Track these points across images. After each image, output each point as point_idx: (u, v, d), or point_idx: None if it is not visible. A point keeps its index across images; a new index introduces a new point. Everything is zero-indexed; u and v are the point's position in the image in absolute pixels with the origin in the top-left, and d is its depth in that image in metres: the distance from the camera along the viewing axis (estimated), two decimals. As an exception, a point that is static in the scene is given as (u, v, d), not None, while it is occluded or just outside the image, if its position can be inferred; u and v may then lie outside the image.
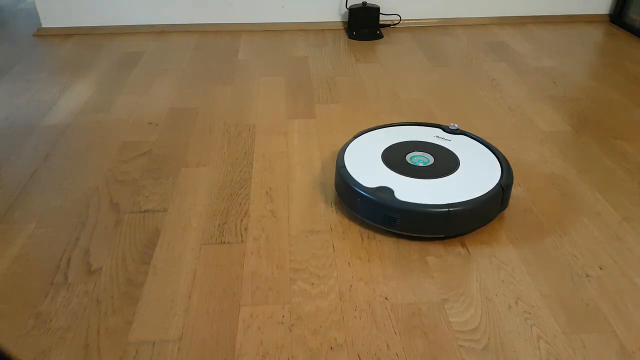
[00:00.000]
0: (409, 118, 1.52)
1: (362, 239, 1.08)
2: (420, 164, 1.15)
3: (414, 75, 1.79)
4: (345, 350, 0.85)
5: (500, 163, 1.16)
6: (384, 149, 1.20)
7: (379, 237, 1.08)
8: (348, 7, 2.16)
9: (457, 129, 1.27)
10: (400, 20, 2.25)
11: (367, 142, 1.23)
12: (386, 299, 0.94)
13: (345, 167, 1.13)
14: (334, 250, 1.05)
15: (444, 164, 1.15)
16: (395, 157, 1.17)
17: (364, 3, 2.14)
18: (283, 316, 0.91)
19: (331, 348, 0.85)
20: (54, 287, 0.97)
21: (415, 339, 0.87)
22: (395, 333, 0.88)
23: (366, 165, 1.14)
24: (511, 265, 1.01)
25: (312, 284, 0.97)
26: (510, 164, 1.29)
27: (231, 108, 1.59)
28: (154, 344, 0.86)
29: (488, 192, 1.06)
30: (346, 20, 2.24)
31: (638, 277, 0.98)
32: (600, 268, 1.00)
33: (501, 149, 1.37)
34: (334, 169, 1.29)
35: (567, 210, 1.16)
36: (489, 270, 1.00)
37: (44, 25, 2.21)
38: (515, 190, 1.22)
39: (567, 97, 1.64)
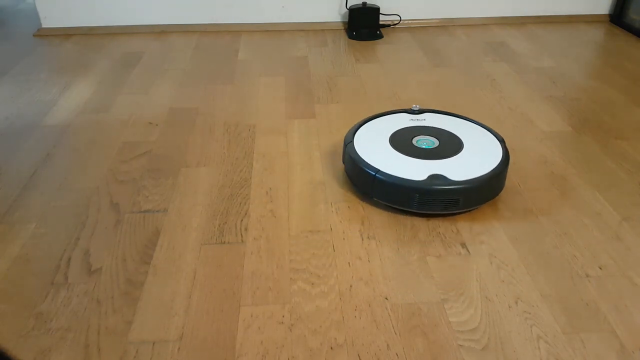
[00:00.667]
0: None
1: (362, 239, 1.08)
2: (430, 146, 1.20)
3: (414, 75, 1.79)
4: (345, 350, 0.85)
5: (484, 127, 1.28)
6: (387, 141, 1.22)
7: (379, 237, 1.08)
8: (348, 7, 2.16)
9: (420, 109, 1.34)
10: (400, 20, 2.25)
11: (367, 142, 1.23)
12: (386, 299, 0.94)
13: (381, 170, 1.12)
14: (334, 250, 1.05)
15: (450, 141, 1.22)
16: (405, 146, 1.20)
17: (364, 3, 2.14)
18: (283, 316, 0.91)
19: (331, 348, 0.85)
20: (54, 287, 0.97)
21: (415, 339, 0.87)
22: (395, 333, 0.88)
23: (393, 162, 1.15)
24: (511, 265, 1.01)
25: (312, 284, 0.97)
26: (510, 163, 1.30)
27: (231, 108, 1.59)
28: (154, 344, 0.86)
29: (504, 151, 1.19)
30: (346, 20, 2.24)
31: (638, 277, 0.98)
32: (600, 268, 1.00)
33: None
34: (333, 169, 1.29)
35: (567, 210, 1.16)
36: (489, 270, 1.00)
37: (44, 25, 2.21)
38: (516, 190, 1.22)
39: (567, 97, 1.64)
